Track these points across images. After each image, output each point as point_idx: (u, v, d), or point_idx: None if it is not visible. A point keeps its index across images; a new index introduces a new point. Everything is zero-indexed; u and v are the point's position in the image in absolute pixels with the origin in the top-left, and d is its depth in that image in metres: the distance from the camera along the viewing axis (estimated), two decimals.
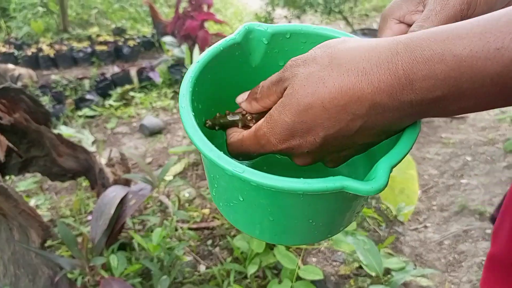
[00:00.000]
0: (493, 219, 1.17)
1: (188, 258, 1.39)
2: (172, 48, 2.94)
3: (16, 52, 3.40)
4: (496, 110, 2.43)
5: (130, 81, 2.85)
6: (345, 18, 3.57)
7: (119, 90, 2.75)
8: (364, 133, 0.28)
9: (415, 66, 0.24)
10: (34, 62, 3.32)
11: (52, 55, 3.36)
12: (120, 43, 3.55)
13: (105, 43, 3.57)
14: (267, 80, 0.32)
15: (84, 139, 2.13)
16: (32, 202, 1.69)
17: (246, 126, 0.35)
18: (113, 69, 3.09)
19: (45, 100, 2.53)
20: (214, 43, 0.37)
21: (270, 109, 0.33)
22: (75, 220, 1.56)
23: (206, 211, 1.61)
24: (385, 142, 0.31)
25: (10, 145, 1.00)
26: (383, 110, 0.26)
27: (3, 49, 3.42)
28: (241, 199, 0.32)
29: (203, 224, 1.55)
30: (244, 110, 0.35)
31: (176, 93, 2.78)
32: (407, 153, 0.29)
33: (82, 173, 1.28)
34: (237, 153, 0.34)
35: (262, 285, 1.27)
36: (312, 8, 3.48)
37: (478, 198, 1.71)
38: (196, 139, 0.30)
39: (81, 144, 1.35)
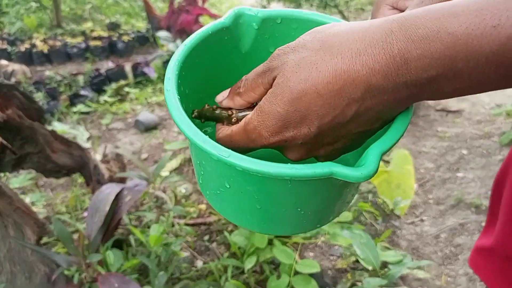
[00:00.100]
0: None
1: (185, 253, 1.38)
2: (167, 43, 2.92)
3: (9, 48, 3.37)
4: (492, 104, 2.43)
5: (125, 77, 2.83)
6: (340, 12, 3.56)
7: (113, 85, 2.73)
8: (358, 119, 0.27)
9: (410, 44, 0.23)
10: (28, 58, 3.29)
11: (45, 50, 3.32)
12: (114, 38, 3.52)
13: (99, 38, 3.54)
14: (251, 73, 0.31)
15: (79, 135, 2.11)
16: (27, 199, 1.68)
17: (231, 124, 0.33)
18: (107, 65, 3.07)
19: (39, 97, 2.51)
20: None
21: (254, 105, 0.31)
22: (71, 217, 1.55)
23: (203, 206, 1.61)
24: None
25: (4, 142, 0.99)
26: (378, 92, 0.25)
27: None
28: (228, 186, 0.31)
29: (200, 220, 1.54)
30: (229, 110, 0.33)
31: None
32: (398, 140, 0.28)
33: (76, 169, 1.27)
34: None
35: (259, 280, 1.27)
36: (308, 1, 3.47)
37: (474, 191, 1.72)
38: (180, 122, 0.29)
39: (76, 141, 1.34)
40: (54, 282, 1.04)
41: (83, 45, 3.41)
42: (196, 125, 0.30)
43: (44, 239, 1.18)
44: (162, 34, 3.00)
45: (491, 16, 0.22)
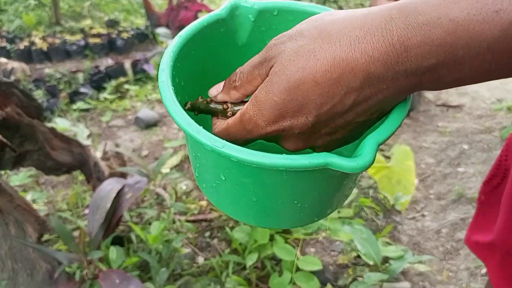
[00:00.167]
0: None
1: (186, 250, 1.38)
2: (166, 39, 2.91)
3: (8, 46, 3.36)
4: (493, 99, 2.43)
5: (124, 74, 2.82)
6: (340, 8, 3.55)
7: (113, 83, 2.72)
8: (357, 109, 0.27)
9: (410, 31, 0.23)
10: (27, 55, 3.28)
11: (45, 48, 3.31)
12: (113, 36, 3.51)
13: (98, 35, 3.53)
14: (247, 65, 0.30)
15: (79, 133, 2.11)
16: (28, 197, 1.68)
17: (226, 118, 0.33)
18: (107, 62, 3.06)
19: (39, 94, 2.51)
20: None
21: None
22: (72, 214, 1.55)
23: (204, 203, 1.61)
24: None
25: (3, 139, 0.98)
26: (377, 81, 0.25)
27: None
28: (223, 178, 0.31)
29: (201, 216, 1.54)
30: (224, 103, 0.32)
31: None
32: (394, 131, 0.28)
33: (76, 166, 1.27)
34: None
35: (261, 276, 1.27)
36: None
37: (475, 186, 1.71)
38: (174, 113, 0.29)
39: (76, 138, 1.34)
40: (55, 279, 1.04)
41: (82, 43, 3.40)
42: (194, 117, 0.29)
43: (46, 236, 1.18)
44: (161, 30, 2.99)
45: (493, 1, 0.21)
